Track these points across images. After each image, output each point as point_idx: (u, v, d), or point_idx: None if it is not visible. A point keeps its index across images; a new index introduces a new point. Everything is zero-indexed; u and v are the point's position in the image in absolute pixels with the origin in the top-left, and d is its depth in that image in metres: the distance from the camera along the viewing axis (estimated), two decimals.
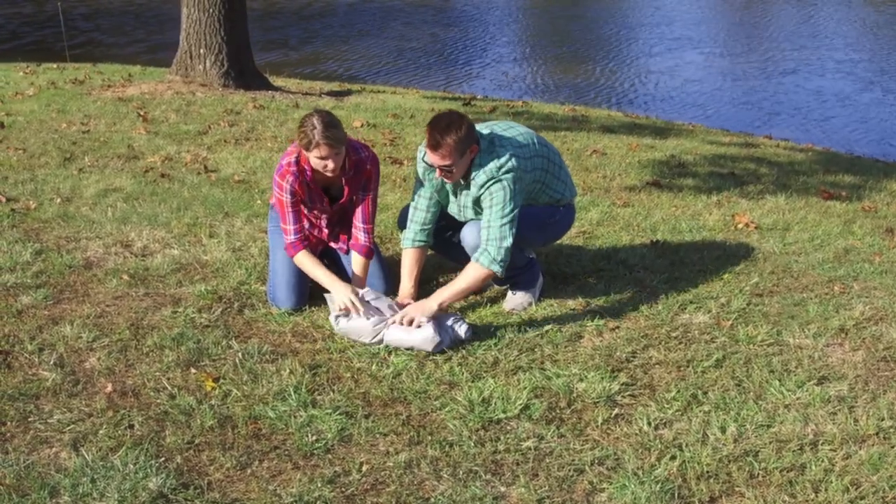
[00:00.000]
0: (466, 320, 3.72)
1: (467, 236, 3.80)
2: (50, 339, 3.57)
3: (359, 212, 3.94)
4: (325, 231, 4.09)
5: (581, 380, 3.38)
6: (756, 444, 2.99)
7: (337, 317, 3.67)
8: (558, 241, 4.37)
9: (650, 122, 10.34)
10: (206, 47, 9.52)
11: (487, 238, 3.64)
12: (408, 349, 3.57)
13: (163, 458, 2.82)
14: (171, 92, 9.26)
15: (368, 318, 3.61)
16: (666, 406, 3.22)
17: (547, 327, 3.81)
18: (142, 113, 8.20)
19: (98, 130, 7.51)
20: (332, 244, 4.15)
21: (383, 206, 5.25)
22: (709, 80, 14.49)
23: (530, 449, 2.95)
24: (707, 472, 2.84)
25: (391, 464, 2.85)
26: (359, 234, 3.95)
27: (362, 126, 8.14)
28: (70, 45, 13.08)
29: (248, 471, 2.80)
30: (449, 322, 3.64)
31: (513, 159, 3.63)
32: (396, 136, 7.75)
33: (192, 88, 9.37)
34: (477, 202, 3.72)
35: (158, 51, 15.16)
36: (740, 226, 5.33)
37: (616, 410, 3.20)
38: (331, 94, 10.43)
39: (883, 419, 3.14)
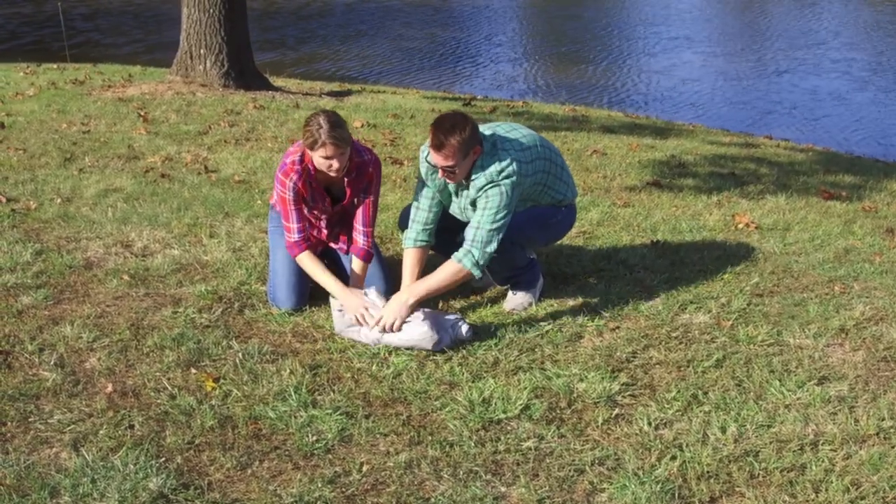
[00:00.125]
0: (467, 320, 3.72)
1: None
2: (50, 340, 3.58)
3: (359, 215, 3.94)
4: (325, 232, 4.09)
5: (581, 380, 3.38)
6: (756, 445, 2.99)
7: (339, 310, 3.68)
8: (559, 241, 4.37)
9: (650, 122, 10.35)
10: (206, 47, 9.52)
11: (473, 239, 3.64)
12: (408, 349, 3.57)
13: (163, 459, 2.82)
14: (172, 92, 9.26)
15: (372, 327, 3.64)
16: (666, 406, 3.22)
17: (547, 327, 3.81)
18: (142, 113, 8.21)
19: (98, 131, 7.51)
20: (332, 244, 4.15)
21: (384, 206, 5.25)
22: (705, 79, 14.51)
23: (531, 449, 2.95)
24: (707, 472, 2.84)
25: (391, 464, 2.85)
26: (358, 237, 3.95)
27: (363, 126, 8.14)
28: (68, 44, 13.08)
29: (249, 471, 2.80)
30: (450, 322, 3.64)
31: (514, 164, 3.63)
32: (397, 137, 7.75)
33: (193, 89, 9.37)
34: (474, 203, 3.72)
35: (156, 51, 15.17)
36: (741, 226, 5.33)
37: (616, 410, 3.20)
38: (331, 94, 10.43)
39: (883, 419, 3.14)
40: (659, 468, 2.85)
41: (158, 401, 3.16)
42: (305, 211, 3.97)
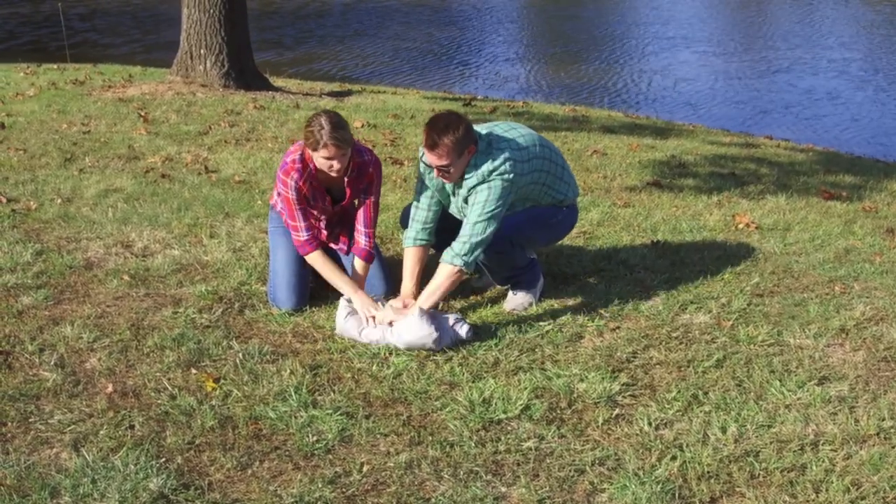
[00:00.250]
0: (467, 320, 3.72)
1: None
2: (50, 340, 3.58)
3: (360, 216, 3.95)
4: (324, 232, 4.09)
5: (582, 380, 3.38)
6: (757, 445, 2.99)
7: (348, 315, 3.68)
8: (560, 242, 4.37)
9: (650, 122, 10.34)
10: (206, 48, 9.52)
11: (461, 234, 3.65)
12: (408, 349, 3.57)
13: (163, 459, 2.82)
14: (172, 92, 9.26)
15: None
16: (666, 406, 3.22)
17: (547, 327, 3.81)
18: (142, 113, 8.21)
19: (99, 131, 7.51)
20: (332, 245, 4.15)
21: (384, 206, 5.24)
22: (702, 78, 14.52)
23: (531, 449, 2.95)
24: (708, 472, 2.84)
25: (392, 464, 2.85)
26: (360, 237, 3.95)
27: (363, 126, 8.14)
28: (64, 44, 13.09)
29: (249, 471, 2.80)
30: (450, 322, 3.64)
31: (507, 163, 3.63)
32: (397, 137, 7.75)
33: (193, 89, 9.37)
34: (468, 201, 3.73)
35: (154, 51, 15.18)
36: (741, 226, 5.33)
37: (617, 411, 3.20)
38: (331, 94, 10.43)
39: (883, 419, 3.14)
40: (659, 468, 2.85)
41: (159, 401, 3.16)
42: None
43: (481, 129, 3.76)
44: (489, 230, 3.64)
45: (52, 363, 3.38)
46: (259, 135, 7.60)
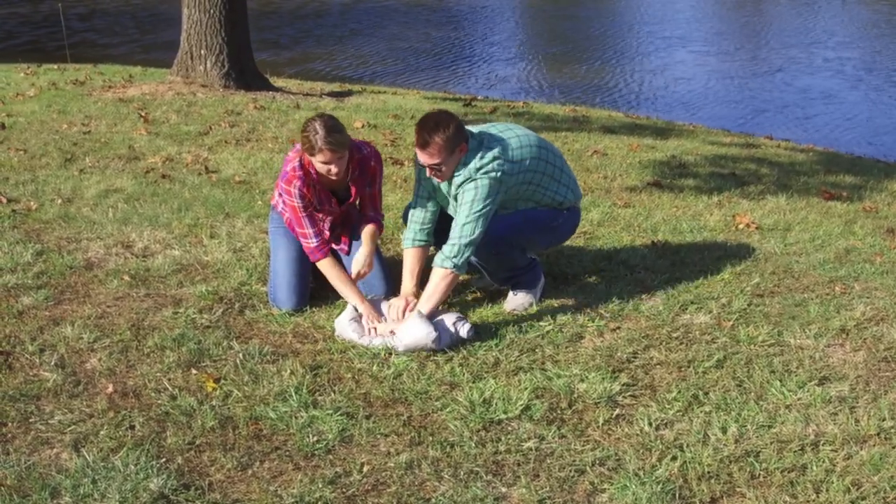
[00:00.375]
0: (468, 320, 3.72)
1: None
2: (51, 340, 3.58)
3: (367, 203, 4.03)
4: (327, 234, 4.09)
5: (582, 380, 3.38)
6: (757, 445, 2.99)
7: (351, 319, 3.68)
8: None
9: (651, 122, 10.34)
10: (206, 48, 9.52)
11: (451, 236, 3.66)
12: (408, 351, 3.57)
13: (164, 459, 2.82)
14: (172, 93, 9.27)
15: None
16: (667, 406, 3.22)
17: (548, 328, 3.81)
18: (143, 114, 8.21)
19: (99, 131, 7.51)
20: (334, 245, 4.15)
21: (384, 207, 5.24)
22: (697, 78, 14.53)
23: (531, 449, 2.95)
24: (708, 472, 2.84)
25: (392, 464, 2.85)
26: (368, 213, 4.03)
27: (363, 127, 8.14)
28: (63, 44, 13.09)
29: (249, 471, 2.80)
30: (450, 322, 3.64)
31: (495, 161, 3.64)
32: (397, 137, 7.75)
33: (193, 89, 9.38)
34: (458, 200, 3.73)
35: (152, 51, 15.18)
36: (741, 226, 5.33)
37: (617, 411, 3.20)
38: (332, 94, 10.43)
39: (884, 419, 3.14)
40: (660, 468, 2.84)
41: (159, 401, 3.17)
42: None
43: (475, 128, 3.78)
44: (478, 231, 3.64)
45: (52, 363, 3.38)
46: (259, 135, 7.60)
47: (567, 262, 4.58)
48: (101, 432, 2.95)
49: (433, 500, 2.69)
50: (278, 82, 10.77)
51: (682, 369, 3.51)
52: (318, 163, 3.66)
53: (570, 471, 2.84)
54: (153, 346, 3.56)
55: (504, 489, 2.76)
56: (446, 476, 2.80)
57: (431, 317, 3.62)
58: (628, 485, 2.75)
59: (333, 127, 3.62)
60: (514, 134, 3.83)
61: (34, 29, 18.02)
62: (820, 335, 3.80)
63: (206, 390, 3.25)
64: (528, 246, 4.01)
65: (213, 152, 6.90)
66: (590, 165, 6.95)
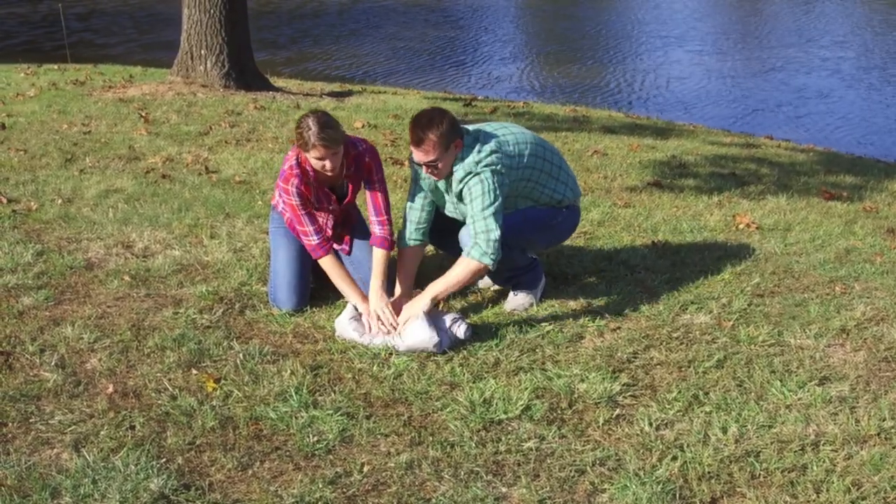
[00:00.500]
0: (466, 320, 3.72)
1: (465, 238, 3.80)
2: (51, 340, 3.58)
3: (370, 205, 3.94)
4: (329, 231, 4.09)
5: (582, 380, 3.38)
6: (757, 445, 2.99)
7: (352, 318, 3.68)
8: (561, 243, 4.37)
9: (651, 122, 10.34)
10: (207, 48, 9.52)
11: (475, 232, 3.64)
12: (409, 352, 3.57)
13: (164, 459, 2.82)
14: (172, 93, 9.27)
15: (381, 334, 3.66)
16: (667, 406, 3.22)
17: (548, 328, 3.81)
18: (143, 114, 8.21)
19: (99, 131, 7.51)
20: (335, 246, 4.15)
21: None
22: (695, 77, 14.54)
23: (531, 449, 2.95)
24: (708, 472, 2.84)
25: (392, 464, 2.85)
26: (375, 228, 3.92)
27: (363, 127, 8.15)
28: (61, 44, 13.09)
29: (250, 472, 2.80)
30: (448, 322, 3.64)
31: (493, 154, 3.64)
32: (397, 137, 7.75)
33: (193, 89, 9.38)
34: (460, 198, 3.73)
35: (151, 51, 15.18)
36: (741, 226, 5.33)
37: (617, 411, 3.20)
38: (332, 94, 10.43)
39: (884, 419, 3.14)
40: (660, 468, 2.85)
41: (159, 401, 3.17)
42: None
43: (471, 126, 3.78)
44: (497, 223, 3.62)
45: (52, 364, 3.38)
46: (259, 135, 7.60)
47: (567, 262, 4.58)
48: (102, 432, 2.95)
49: (433, 501, 2.69)
50: (277, 82, 10.77)
51: (683, 369, 3.51)
52: (313, 159, 3.66)
53: (571, 471, 2.84)
54: (153, 346, 3.57)
55: (504, 489, 2.76)
56: (446, 476, 2.80)
57: (432, 318, 3.61)
58: (628, 485, 2.75)
59: (327, 123, 3.61)
60: (510, 131, 3.83)
61: (32, 29, 18.02)
62: (820, 335, 3.80)
63: (206, 390, 3.25)
64: (528, 245, 4.01)
65: (214, 152, 6.90)
66: (590, 165, 6.95)
